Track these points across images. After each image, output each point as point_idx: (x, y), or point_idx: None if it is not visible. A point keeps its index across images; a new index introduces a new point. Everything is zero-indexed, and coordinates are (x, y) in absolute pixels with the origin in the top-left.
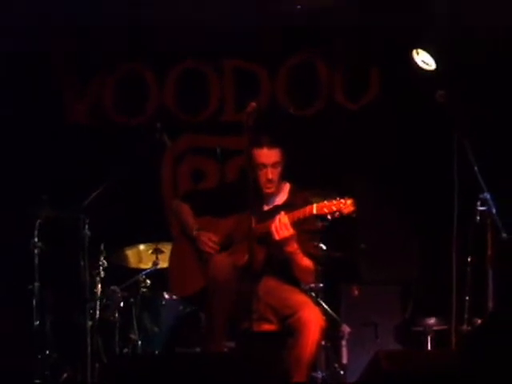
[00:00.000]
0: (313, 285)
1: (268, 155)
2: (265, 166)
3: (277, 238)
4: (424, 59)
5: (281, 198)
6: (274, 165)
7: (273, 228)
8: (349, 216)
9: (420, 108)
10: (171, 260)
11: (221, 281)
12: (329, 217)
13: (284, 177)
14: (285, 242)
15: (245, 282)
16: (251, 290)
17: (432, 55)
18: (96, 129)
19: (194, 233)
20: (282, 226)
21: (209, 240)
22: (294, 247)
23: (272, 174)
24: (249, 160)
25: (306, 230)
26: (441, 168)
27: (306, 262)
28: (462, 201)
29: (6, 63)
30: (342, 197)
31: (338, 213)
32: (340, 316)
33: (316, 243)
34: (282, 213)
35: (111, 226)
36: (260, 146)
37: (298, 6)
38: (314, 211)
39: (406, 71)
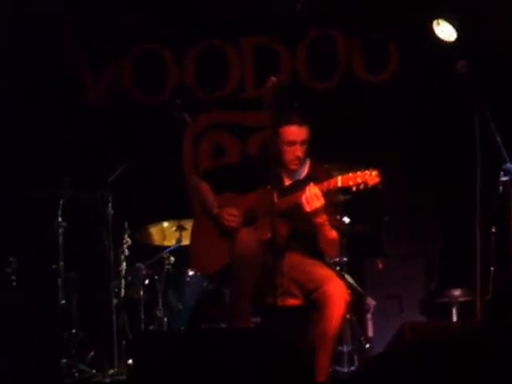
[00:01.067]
0: (337, 258)
1: (298, 133)
2: (294, 143)
3: (308, 209)
4: (445, 30)
5: (302, 173)
6: (302, 142)
7: (303, 199)
8: (374, 188)
9: (441, 79)
10: (192, 237)
11: (246, 256)
12: (354, 189)
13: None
14: (315, 213)
15: (269, 257)
16: (275, 265)
17: (453, 25)
18: (116, 108)
19: (215, 211)
20: (312, 197)
21: (230, 215)
22: (323, 218)
23: (301, 151)
24: (272, 136)
25: (329, 203)
26: (463, 139)
27: (333, 235)
28: (484, 171)
29: (24, 43)
30: (366, 168)
31: (363, 184)
32: (365, 289)
33: (338, 216)
34: (312, 184)
35: (134, 204)
36: (290, 123)
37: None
38: (339, 183)
39: (426, 42)
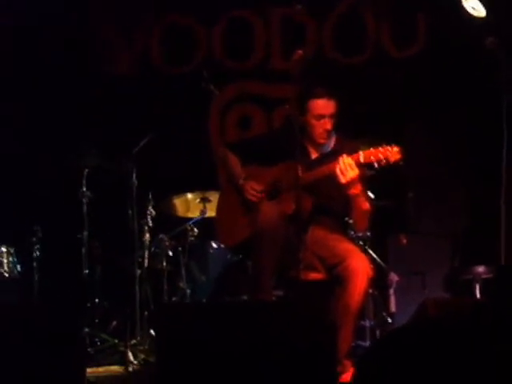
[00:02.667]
0: (367, 232)
1: (327, 106)
2: (323, 116)
3: (343, 180)
4: (474, 5)
5: (328, 147)
6: (331, 116)
7: (337, 171)
8: (395, 164)
9: (469, 55)
10: (218, 209)
11: (269, 229)
12: (375, 165)
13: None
14: (351, 183)
15: (292, 231)
16: (299, 239)
17: (482, 1)
18: (142, 78)
19: (240, 182)
20: (347, 167)
21: (251, 188)
22: (358, 189)
23: (329, 124)
24: (298, 108)
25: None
26: (489, 116)
27: (367, 206)
28: (510, 150)
29: (52, 15)
30: (388, 144)
31: (384, 160)
32: (388, 264)
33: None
34: (344, 155)
35: (159, 175)
36: (318, 96)
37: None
38: (361, 159)
39: (455, 18)
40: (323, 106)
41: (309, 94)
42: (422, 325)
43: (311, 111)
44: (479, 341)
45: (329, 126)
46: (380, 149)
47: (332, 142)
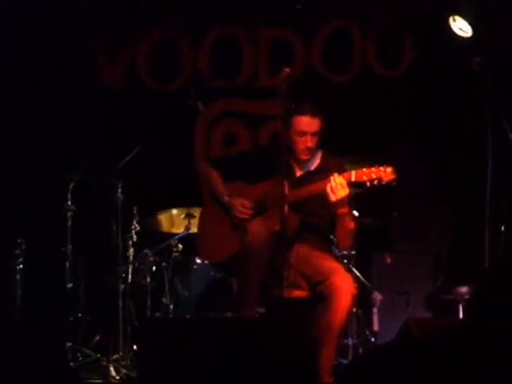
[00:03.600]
0: (352, 251)
1: (310, 123)
2: (305, 133)
3: (333, 199)
4: (461, 26)
5: (314, 164)
6: (313, 133)
7: (328, 189)
8: (388, 184)
9: (455, 75)
10: (200, 225)
11: (258, 246)
12: (368, 184)
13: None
14: (340, 202)
15: (277, 248)
16: (283, 257)
17: (469, 22)
18: (129, 94)
19: (226, 199)
20: (338, 186)
21: (240, 205)
22: (346, 209)
23: (311, 142)
24: (284, 126)
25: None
26: (475, 136)
27: (352, 225)
28: (495, 170)
29: (38, 29)
30: (381, 164)
31: (377, 181)
32: (372, 283)
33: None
34: (336, 173)
35: (144, 190)
36: (302, 113)
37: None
38: (353, 178)
39: (442, 38)
40: (306, 123)
41: (293, 110)
42: (403, 343)
43: (294, 127)
44: (460, 360)
45: (310, 144)
46: (373, 169)
47: (317, 159)
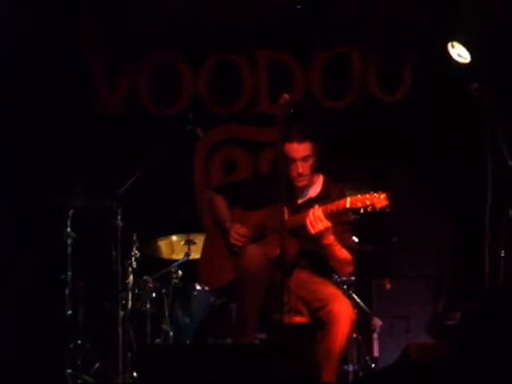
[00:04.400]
0: (345, 278)
1: (297, 149)
2: (295, 160)
3: (312, 232)
4: (459, 52)
5: (314, 190)
6: (303, 159)
7: (307, 222)
8: (381, 210)
9: (454, 101)
10: (203, 251)
11: (252, 272)
12: (362, 211)
13: (318, 169)
14: (321, 235)
15: (276, 274)
16: (283, 283)
17: (467, 48)
18: (129, 119)
19: (228, 225)
20: (316, 220)
21: (235, 233)
22: (330, 240)
23: (302, 167)
24: (280, 153)
25: (342, 221)
26: (474, 161)
27: (344, 254)
28: (494, 194)
29: (38, 52)
30: (375, 191)
31: (370, 207)
32: (371, 309)
33: (351, 234)
34: (316, 206)
35: (144, 216)
36: (290, 140)
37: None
38: (348, 205)
39: (441, 64)
40: (294, 149)
41: (284, 137)
42: (403, 367)
43: (286, 154)
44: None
45: (301, 170)
46: (367, 195)
47: (319, 186)
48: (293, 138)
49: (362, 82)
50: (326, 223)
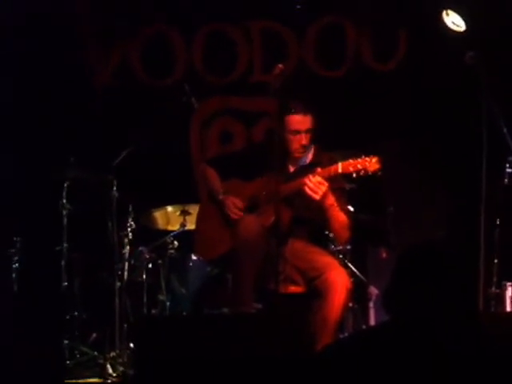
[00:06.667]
0: (340, 247)
1: (302, 122)
2: (299, 132)
3: (317, 198)
4: (454, 20)
5: (306, 159)
6: (307, 131)
7: (308, 192)
8: (374, 174)
9: (449, 70)
10: (198, 222)
11: (250, 242)
12: (354, 175)
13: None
14: (324, 197)
15: (272, 243)
16: (278, 252)
17: (462, 16)
18: (123, 90)
19: (220, 197)
20: (316, 185)
21: (233, 205)
22: (331, 200)
23: (306, 139)
24: (278, 123)
25: (335, 188)
26: (469, 130)
27: (343, 217)
28: (490, 163)
29: (31, 26)
30: (367, 155)
31: (363, 171)
32: (367, 278)
33: (345, 200)
34: (310, 175)
35: (139, 187)
36: (293, 112)
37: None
38: (340, 170)
39: (435, 33)
40: (299, 121)
41: (285, 109)
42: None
43: (287, 126)
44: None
45: (305, 141)
46: (358, 159)
47: (310, 155)
48: (298, 111)
49: (356, 52)
50: (326, 184)
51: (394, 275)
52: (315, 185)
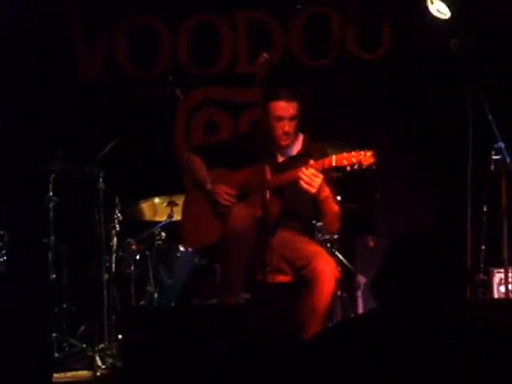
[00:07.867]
0: (328, 236)
1: (286, 108)
2: (282, 118)
3: (313, 191)
4: (438, 8)
5: (295, 149)
6: (291, 118)
7: (304, 185)
8: (368, 168)
9: (434, 58)
10: (184, 213)
11: (240, 231)
12: (348, 168)
13: (299, 128)
14: (321, 190)
15: (260, 233)
16: (266, 242)
17: (446, 4)
18: (109, 81)
19: (209, 186)
20: (311, 177)
21: (224, 193)
22: (327, 191)
23: (289, 126)
24: (263, 112)
25: (325, 179)
26: (455, 117)
27: (336, 207)
28: (476, 150)
29: (18, 18)
30: (361, 149)
31: (357, 165)
32: (355, 267)
33: (335, 191)
34: (303, 168)
35: (126, 179)
36: (277, 98)
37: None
38: (334, 163)
39: (420, 20)
40: (282, 107)
41: (270, 96)
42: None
43: (271, 113)
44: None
45: (288, 128)
46: (353, 153)
47: (299, 144)
48: (281, 97)
49: (342, 41)
50: (320, 176)
51: (383, 262)
52: (310, 178)
